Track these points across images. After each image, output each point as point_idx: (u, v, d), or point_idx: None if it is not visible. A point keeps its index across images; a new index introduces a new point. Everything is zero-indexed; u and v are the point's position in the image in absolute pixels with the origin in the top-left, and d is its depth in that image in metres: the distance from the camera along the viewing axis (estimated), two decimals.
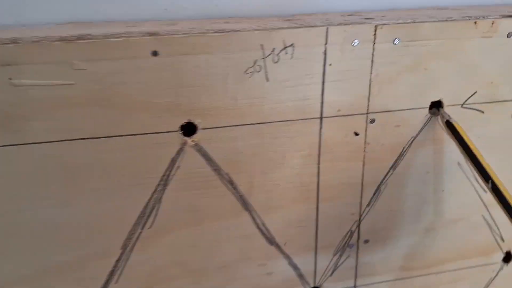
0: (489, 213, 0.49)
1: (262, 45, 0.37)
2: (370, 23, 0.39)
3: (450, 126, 0.42)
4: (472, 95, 0.44)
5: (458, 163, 0.46)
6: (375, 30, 0.39)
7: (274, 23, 0.39)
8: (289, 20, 0.41)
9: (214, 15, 0.44)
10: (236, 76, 0.38)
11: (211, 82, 0.38)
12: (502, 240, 0.51)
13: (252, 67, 0.38)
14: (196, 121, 0.39)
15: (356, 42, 0.39)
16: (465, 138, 0.41)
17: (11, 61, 0.34)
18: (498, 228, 0.50)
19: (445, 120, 0.42)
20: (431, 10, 0.46)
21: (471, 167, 0.40)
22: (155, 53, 0.36)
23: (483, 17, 0.41)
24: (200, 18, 0.44)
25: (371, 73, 0.41)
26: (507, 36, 0.42)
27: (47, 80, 0.35)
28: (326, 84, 0.40)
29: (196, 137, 0.39)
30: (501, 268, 0.53)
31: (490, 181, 0.39)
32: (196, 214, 0.42)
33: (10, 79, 0.34)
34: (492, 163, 0.44)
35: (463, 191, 0.48)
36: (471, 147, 0.40)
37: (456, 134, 0.41)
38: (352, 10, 0.47)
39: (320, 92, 0.40)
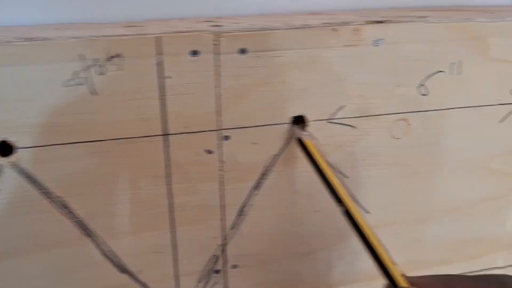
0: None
1: (81, 55, 0.32)
2: (211, 32, 0.34)
3: (301, 144, 0.37)
4: (339, 109, 0.39)
5: None
6: (218, 40, 0.34)
7: (108, 30, 0.35)
8: (130, 26, 0.37)
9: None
10: (55, 89, 0.33)
11: (26, 96, 0.33)
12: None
13: (73, 79, 0.33)
14: (12, 140, 0.34)
15: (196, 52, 0.34)
16: (316, 157, 0.37)
17: None
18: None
19: (296, 137, 0.38)
20: (304, 16, 0.41)
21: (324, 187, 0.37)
22: None
23: (345, 24, 0.37)
24: None
25: (218, 87, 0.36)
26: (373, 45, 0.38)
27: None
28: (167, 98, 0.35)
29: (15, 157, 0.34)
30: None
31: (341, 203, 0.35)
32: (37, 240, 0.37)
33: None
34: (371, 179, 0.40)
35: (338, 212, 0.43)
36: (322, 166, 0.36)
37: (306, 152, 0.37)
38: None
39: (158, 108, 0.35)
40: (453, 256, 0.49)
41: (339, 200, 0.35)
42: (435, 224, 0.47)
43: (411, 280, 0.33)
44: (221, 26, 0.36)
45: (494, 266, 0.51)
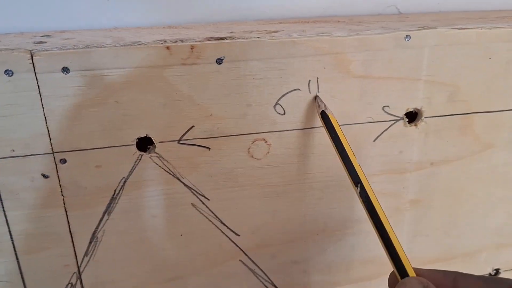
0: (248, 257, 0.41)
1: None
2: (27, 50, 0.30)
3: (324, 117, 0.34)
4: (189, 130, 0.35)
5: (192, 204, 0.38)
6: (31, 58, 0.31)
7: None
8: None
9: None
10: None
11: None
12: (275, 286, 0.43)
13: None
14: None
15: (10, 72, 0.30)
16: (339, 134, 0.33)
17: None
18: (264, 273, 0.42)
19: (320, 110, 0.34)
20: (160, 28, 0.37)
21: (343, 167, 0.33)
22: None
23: (180, 41, 0.33)
24: None
25: (43, 108, 0.32)
26: (217, 63, 0.34)
27: None
28: None
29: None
30: None
31: (359, 185, 0.31)
32: None
33: None
34: (235, 201, 0.36)
35: (206, 235, 0.39)
36: (345, 145, 0.32)
37: (329, 127, 0.34)
38: None
39: None
40: (339, 279, 0.44)
41: (357, 180, 0.31)
42: (313, 245, 0.42)
43: (419, 272, 0.30)
44: (44, 43, 0.32)
45: None
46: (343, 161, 0.32)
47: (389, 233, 0.29)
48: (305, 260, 0.40)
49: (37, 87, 0.30)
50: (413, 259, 0.42)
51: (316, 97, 0.35)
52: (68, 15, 0.37)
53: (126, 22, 0.38)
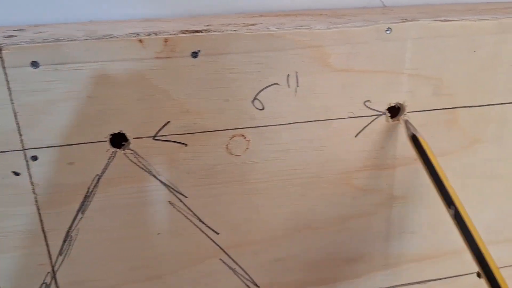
0: (228, 255, 0.40)
1: None
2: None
3: (415, 142, 0.34)
4: (164, 126, 0.34)
5: (169, 202, 0.37)
6: (0, 52, 0.30)
7: None
8: None
9: None
10: None
11: None
12: (256, 285, 0.42)
13: None
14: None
15: None
16: (430, 157, 0.33)
17: None
18: (245, 272, 0.41)
19: (410, 134, 0.35)
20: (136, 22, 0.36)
21: (435, 189, 0.33)
22: None
23: (154, 34, 0.32)
24: None
25: (12, 103, 0.31)
26: (192, 56, 0.33)
27: None
28: None
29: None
30: None
31: (452, 206, 0.31)
32: None
33: None
34: (215, 198, 0.35)
35: (184, 233, 0.38)
36: (436, 167, 0.32)
37: (420, 151, 0.34)
38: None
39: None
40: (323, 277, 0.43)
41: (450, 202, 0.31)
42: (296, 243, 0.41)
43: None
44: (14, 36, 0.31)
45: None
46: (435, 184, 0.32)
47: (484, 255, 0.29)
48: (288, 257, 0.39)
49: (6, 82, 0.29)
50: (399, 256, 0.42)
51: (406, 122, 0.36)
52: (42, 9, 0.36)
53: (103, 15, 0.37)
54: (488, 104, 0.38)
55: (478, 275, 0.45)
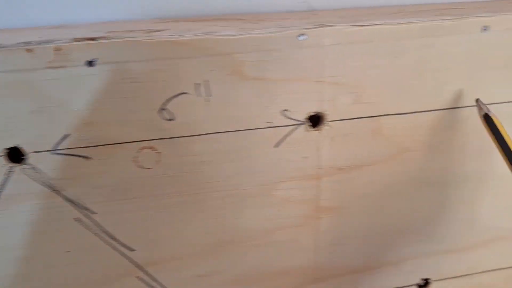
0: (145, 272, 0.38)
1: None
2: None
3: (488, 121, 0.34)
4: (63, 139, 0.32)
5: (75, 219, 0.35)
6: None
7: None
8: None
9: None
10: None
11: None
12: None
13: None
14: None
15: None
16: (505, 136, 0.34)
17: None
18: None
19: (483, 113, 0.35)
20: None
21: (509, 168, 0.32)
22: None
23: (44, 43, 0.30)
24: None
25: None
26: (88, 65, 0.31)
27: None
28: None
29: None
30: None
31: None
32: None
33: None
34: (126, 214, 0.33)
35: (95, 251, 0.36)
36: (511, 145, 0.33)
37: (494, 130, 0.34)
38: None
39: None
40: None
41: None
42: (219, 258, 0.39)
43: None
44: None
45: None
46: (509, 163, 0.32)
47: None
48: (213, 273, 0.38)
49: None
50: (330, 269, 0.40)
51: (477, 100, 0.36)
52: None
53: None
54: (416, 111, 0.37)
55: (419, 286, 0.44)
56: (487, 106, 0.35)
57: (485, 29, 0.35)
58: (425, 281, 0.44)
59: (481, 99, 0.35)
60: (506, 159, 0.32)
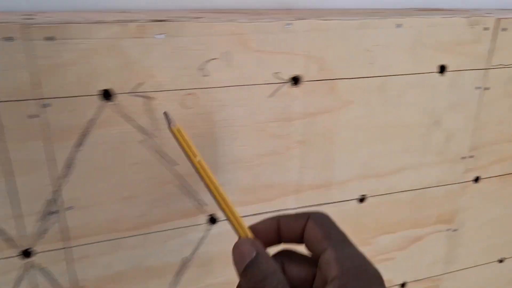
0: (185, 181, 0.53)
1: None
2: (21, 23, 0.41)
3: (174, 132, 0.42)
4: (139, 85, 0.47)
5: (141, 141, 0.50)
6: (28, 29, 0.41)
7: None
8: None
9: None
10: None
11: None
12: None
13: None
14: None
15: (10, 38, 0.41)
16: (183, 144, 0.42)
17: None
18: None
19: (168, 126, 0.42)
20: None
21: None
22: None
23: (134, 21, 0.45)
24: None
25: (32, 66, 0.43)
26: (157, 37, 0.46)
27: None
28: None
29: None
30: (208, 229, 0.57)
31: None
32: None
33: None
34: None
35: (151, 164, 0.51)
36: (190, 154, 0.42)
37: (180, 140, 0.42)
38: None
39: None
40: (247, 199, 0.58)
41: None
42: (225, 174, 0.55)
43: (253, 228, 0.36)
44: (33, 19, 0.43)
45: (286, 208, 0.61)
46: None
47: (226, 201, 0.40)
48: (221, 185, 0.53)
49: (31, 51, 0.41)
50: (301, 186, 0.57)
51: (164, 113, 0.42)
52: None
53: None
54: (358, 77, 0.55)
55: (359, 200, 0.63)
56: (173, 118, 0.42)
57: (398, 26, 0.54)
58: (362, 196, 0.63)
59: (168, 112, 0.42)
60: (193, 167, 0.40)
